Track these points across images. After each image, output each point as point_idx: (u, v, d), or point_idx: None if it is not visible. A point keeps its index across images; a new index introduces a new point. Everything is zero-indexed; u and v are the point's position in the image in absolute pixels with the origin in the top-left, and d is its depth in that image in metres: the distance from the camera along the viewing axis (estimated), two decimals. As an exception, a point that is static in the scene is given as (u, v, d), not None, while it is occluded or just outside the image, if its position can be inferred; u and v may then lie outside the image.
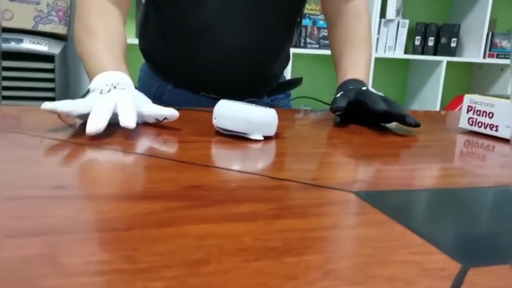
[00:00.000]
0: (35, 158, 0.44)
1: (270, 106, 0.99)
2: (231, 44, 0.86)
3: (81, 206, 0.32)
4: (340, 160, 0.51)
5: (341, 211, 0.34)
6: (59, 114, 0.61)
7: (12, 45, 2.02)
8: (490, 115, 0.72)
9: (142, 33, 0.98)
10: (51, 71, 2.10)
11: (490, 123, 0.72)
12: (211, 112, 0.61)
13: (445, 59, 2.71)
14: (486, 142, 0.67)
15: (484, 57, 2.80)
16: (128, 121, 0.54)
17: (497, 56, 2.84)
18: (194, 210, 0.33)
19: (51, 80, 2.11)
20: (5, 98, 2.04)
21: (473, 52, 2.81)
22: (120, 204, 0.33)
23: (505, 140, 0.69)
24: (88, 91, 0.66)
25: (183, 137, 0.57)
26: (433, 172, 0.48)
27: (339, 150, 0.56)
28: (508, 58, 2.85)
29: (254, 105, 0.62)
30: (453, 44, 2.76)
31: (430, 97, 2.82)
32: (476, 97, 0.74)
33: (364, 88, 0.75)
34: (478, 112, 0.73)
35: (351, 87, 0.76)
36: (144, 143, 0.53)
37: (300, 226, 0.31)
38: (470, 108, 0.75)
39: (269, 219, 0.32)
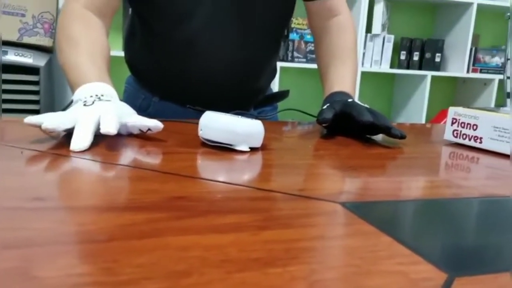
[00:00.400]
0: (14, 169, 0.43)
1: (257, 118, 0.99)
2: (217, 58, 0.86)
3: (60, 218, 0.31)
4: (327, 171, 0.50)
5: (327, 222, 0.34)
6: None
7: (-4, 58, 2.00)
8: (474, 127, 0.72)
9: (127, 45, 0.98)
10: (36, 83, 2.08)
11: (474, 135, 0.72)
12: (197, 123, 0.61)
13: (429, 73, 2.74)
14: (470, 154, 0.67)
15: (467, 71, 2.84)
16: (108, 127, 0.53)
17: (480, 71, 2.88)
18: (178, 221, 0.32)
19: (36, 93, 2.09)
20: (-11, 110, 2.02)
21: (457, 66, 2.85)
22: (101, 216, 0.32)
23: (489, 152, 0.69)
24: (71, 102, 0.65)
25: (168, 148, 0.56)
26: (419, 183, 0.48)
27: (326, 161, 0.55)
28: (491, 73, 2.90)
29: (240, 116, 0.62)
30: (437, 59, 2.80)
31: (415, 111, 2.85)
32: (460, 110, 0.74)
33: (350, 100, 0.76)
34: (463, 124, 0.74)
35: (338, 99, 0.77)
36: (127, 154, 0.52)
37: (285, 237, 0.31)
38: (454, 121, 0.75)
39: (254, 230, 0.31)
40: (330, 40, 0.91)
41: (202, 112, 0.92)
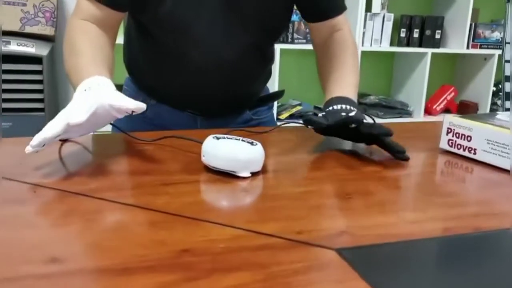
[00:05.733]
0: (28, 219, 0.45)
1: (252, 119, 1.01)
2: (212, 66, 0.88)
3: (77, 284, 0.34)
4: (324, 202, 0.53)
5: (324, 279, 0.37)
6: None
7: (-2, 48, 2.01)
8: (469, 138, 0.74)
9: (125, 48, 1.00)
10: (40, 72, 2.09)
11: (468, 146, 0.74)
12: (200, 143, 0.63)
13: (430, 50, 2.73)
14: (466, 169, 0.69)
15: (467, 47, 2.83)
16: (74, 119, 0.57)
17: (480, 47, 2.87)
18: (186, 284, 0.35)
19: (40, 82, 2.10)
20: (-7, 100, 2.04)
21: (457, 42, 2.84)
22: (114, 281, 0.35)
23: (483, 164, 0.71)
24: None
25: (172, 177, 0.59)
26: (413, 216, 0.50)
27: (324, 186, 0.58)
28: (491, 48, 2.89)
29: (241, 139, 0.64)
30: (437, 36, 2.79)
31: (415, 88, 2.85)
32: (455, 120, 0.76)
33: (344, 114, 0.76)
34: (457, 135, 0.76)
35: (337, 107, 0.77)
36: (134, 191, 0.54)
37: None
38: (449, 130, 0.77)
39: (255, 293, 0.34)
40: (331, 52, 0.92)
41: (199, 115, 0.95)
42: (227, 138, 0.64)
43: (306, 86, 2.82)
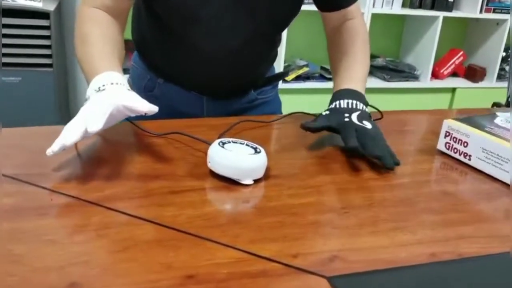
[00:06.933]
0: (46, 233, 0.50)
1: (257, 99, 1.04)
2: (220, 48, 0.90)
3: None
4: (320, 220, 0.57)
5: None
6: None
7: (6, 2, 2.00)
8: (465, 144, 0.77)
9: (134, 25, 1.01)
10: (47, 28, 2.09)
11: (464, 151, 0.77)
12: (207, 143, 0.67)
13: (441, 14, 2.69)
14: (460, 178, 0.73)
15: (480, 11, 2.79)
16: (92, 126, 0.61)
17: (494, 11, 2.82)
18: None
19: (47, 37, 2.10)
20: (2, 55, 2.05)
21: (471, 5, 2.79)
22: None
23: (477, 171, 0.74)
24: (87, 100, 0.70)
25: (180, 183, 0.63)
26: (403, 239, 0.54)
27: (322, 198, 0.62)
28: (504, 12, 2.83)
29: (245, 144, 0.67)
30: (451, -1, 2.73)
31: (424, 51, 2.83)
32: (453, 124, 0.79)
33: (346, 119, 0.77)
34: (455, 139, 0.79)
35: (342, 105, 0.79)
36: (144, 200, 0.58)
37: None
38: (447, 134, 0.80)
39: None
40: (342, 40, 0.93)
41: (205, 96, 0.97)
42: (232, 142, 0.67)
43: (313, 46, 2.80)
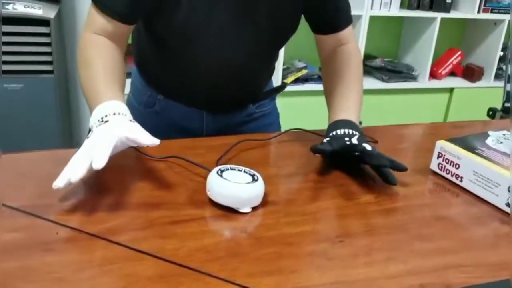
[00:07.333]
0: (53, 272, 0.52)
1: (255, 113, 1.07)
2: (220, 65, 0.92)
3: None
4: (315, 250, 0.59)
5: None
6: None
7: (6, 10, 2.01)
8: (457, 166, 0.79)
9: (133, 43, 1.03)
10: (47, 35, 2.11)
11: (456, 173, 0.79)
12: (206, 169, 0.69)
13: (439, 15, 2.70)
14: (452, 200, 0.75)
15: (478, 11, 2.80)
16: (97, 162, 0.63)
17: (491, 11, 2.83)
18: None
19: (48, 45, 2.12)
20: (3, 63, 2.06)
21: (468, 6, 2.80)
22: None
23: (468, 193, 0.76)
24: (90, 131, 0.73)
25: (180, 212, 0.65)
26: (394, 270, 0.57)
27: (318, 226, 0.64)
28: (502, 12, 2.84)
29: (243, 170, 0.69)
30: (448, 0, 2.74)
31: (423, 51, 2.84)
32: (446, 146, 0.81)
33: (348, 140, 0.80)
34: (447, 160, 0.81)
35: (340, 134, 0.82)
36: (146, 232, 0.60)
37: None
38: (440, 155, 0.82)
39: None
40: (336, 66, 0.96)
41: (205, 111, 1.00)
42: (231, 169, 0.70)
43: (312, 47, 2.80)
